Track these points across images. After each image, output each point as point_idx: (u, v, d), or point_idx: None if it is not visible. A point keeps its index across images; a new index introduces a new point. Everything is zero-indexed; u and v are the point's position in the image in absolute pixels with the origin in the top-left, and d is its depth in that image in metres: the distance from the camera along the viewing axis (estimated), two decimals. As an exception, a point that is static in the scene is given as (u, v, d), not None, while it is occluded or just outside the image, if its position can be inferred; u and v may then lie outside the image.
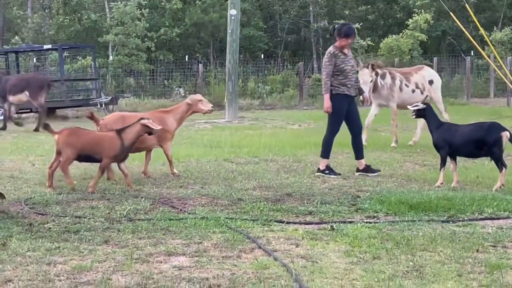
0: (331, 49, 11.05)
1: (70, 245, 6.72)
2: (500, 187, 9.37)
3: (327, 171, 10.95)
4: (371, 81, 13.86)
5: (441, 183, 9.73)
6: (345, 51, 11.03)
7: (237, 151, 13.80)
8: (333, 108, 10.96)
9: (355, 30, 11.32)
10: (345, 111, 11.02)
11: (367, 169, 11.08)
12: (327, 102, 10.94)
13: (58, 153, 9.68)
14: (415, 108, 10.23)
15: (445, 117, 14.57)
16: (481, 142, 9.45)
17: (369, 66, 13.81)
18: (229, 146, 14.71)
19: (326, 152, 11.13)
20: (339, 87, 10.93)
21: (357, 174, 11.04)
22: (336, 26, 11.38)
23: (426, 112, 10.13)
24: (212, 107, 11.32)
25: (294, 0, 38.52)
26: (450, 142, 9.71)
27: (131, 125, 9.68)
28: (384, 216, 8.03)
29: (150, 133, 9.77)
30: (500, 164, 9.41)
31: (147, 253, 6.42)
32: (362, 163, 11.17)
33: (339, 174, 10.99)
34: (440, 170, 9.81)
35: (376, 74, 14.22)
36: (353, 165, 11.95)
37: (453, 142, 9.68)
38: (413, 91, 14.81)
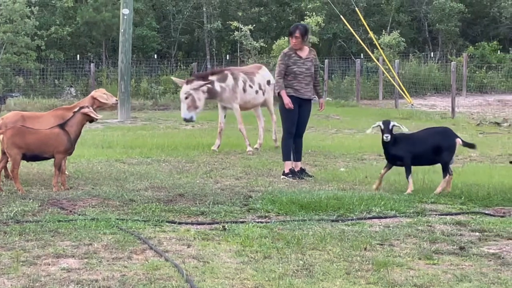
0: (285, 49, 11.08)
1: (-47, 248, 6.50)
2: (440, 192, 9.29)
3: (290, 175, 10.78)
4: (186, 98, 13.80)
5: (412, 190, 9.41)
6: (300, 53, 10.95)
7: (129, 152, 13.66)
8: (282, 108, 10.87)
9: (299, 27, 11.04)
10: (296, 112, 10.90)
11: (301, 172, 10.90)
12: (285, 99, 10.76)
13: (3, 153, 9.43)
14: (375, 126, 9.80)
15: (273, 118, 14.39)
16: (437, 148, 9.39)
17: (186, 82, 13.93)
18: (121, 147, 14.54)
19: (287, 156, 10.95)
20: (286, 88, 10.86)
21: (282, 177, 10.81)
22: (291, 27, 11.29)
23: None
24: (116, 100, 11.27)
25: (188, 1, 38.44)
26: (412, 152, 9.50)
27: (72, 116, 9.68)
28: (276, 216, 8.10)
29: (91, 121, 9.92)
30: (446, 171, 9.36)
31: (34, 256, 6.27)
32: (298, 165, 11.03)
33: (311, 177, 10.80)
34: (407, 178, 9.50)
35: (208, 82, 13.92)
36: (246, 165, 12.03)
37: (415, 151, 9.51)
38: (257, 92, 14.41)
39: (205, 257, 6.30)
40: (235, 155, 13.36)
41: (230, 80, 14.16)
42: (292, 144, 10.99)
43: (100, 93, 10.99)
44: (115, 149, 14.22)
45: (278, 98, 11.09)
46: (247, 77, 14.35)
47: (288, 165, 10.90)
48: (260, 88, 14.48)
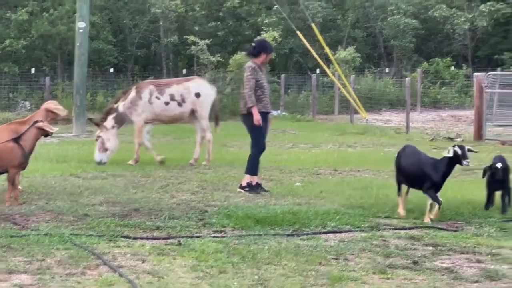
0: (251, 64, 10.93)
1: None
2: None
3: (247, 188, 10.76)
4: (96, 140, 14.08)
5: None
6: (262, 68, 11.04)
7: (84, 166, 13.54)
8: (253, 124, 10.81)
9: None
10: (264, 127, 10.92)
11: (256, 187, 10.85)
12: (256, 115, 10.72)
13: None
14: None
15: (207, 136, 14.09)
16: None
17: (98, 123, 14.12)
18: (76, 161, 14.40)
19: (253, 170, 10.93)
20: (257, 104, 10.82)
21: (239, 190, 10.83)
22: (255, 43, 11.30)
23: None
24: (68, 112, 11.20)
25: (144, 15, 38.33)
26: None
27: (26, 131, 9.53)
28: (231, 231, 8.10)
29: (46, 135, 9.80)
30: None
31: (-14, 272, 6.18)
32: (255, 179, 10.98)
33: (267, 191, 10.80)
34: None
35: (112, 114, 14.02)
36: (202, 179, 12.01)
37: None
38: (167, 103, 14.03)
39: (160, 273, 6.27)
40: (191, 170, 13.33)
41: (132, 94, 14.13)
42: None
43: (54, 105, 10.87)
44: (70, 163, 14.09)
45: (246, 115, 10.90)
46: (156, 89, 14.10)
47: (248, 178, 10.88)
48: (174, 100, 14.08)
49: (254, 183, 10.92)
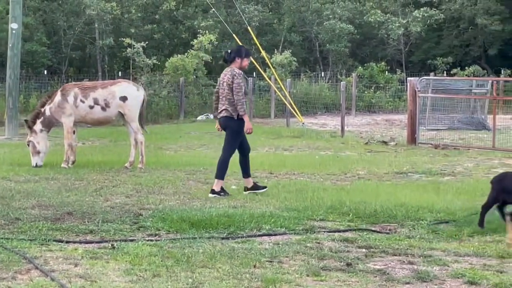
0: (238, 70, 10.92)
1: None
2: None
3: (222, 193, 10.76)
4: (28, 145, 14.04)
5: None
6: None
7: (16, 169, 13.32)
8: (237, 130, 10.88)
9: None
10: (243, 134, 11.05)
11: (256, 187, 11.02)
12: (249, 123, 10.92)
13: None
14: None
15: (139, 138, 13.98)
16: None
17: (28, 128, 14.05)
18: (8, 164, 14.16)
19: (222, 173, 10.95)
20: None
21: (246, 193, 10.88)
22: (234, 49, 11.33)
23: None
24: None
25: (79, 16, 37.89)
26: None
27: None
28: (166, 234, 8.06)
29: None
30: None
31: None
32: (250, 181, 11.09)
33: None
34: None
35: (40, 118, 14.00)
36: (137, 182, 11.93)
37: None
38: (91, 107, 13.91)
39: (93, 276, 6.20)
40: (126, 173, 13.22)
41: (57, 97, 14.07)
42: (241, 162, 11.15)
43: None
44: (2, 166, 13.83)
45: (231, 118, 10.89)
46: (81, 92, 13.99)
47: (220, 183, 10.94)
48: (97, 104, 13.96)
49: (250, 185, 11.05)
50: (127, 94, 14.08)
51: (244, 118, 10.88)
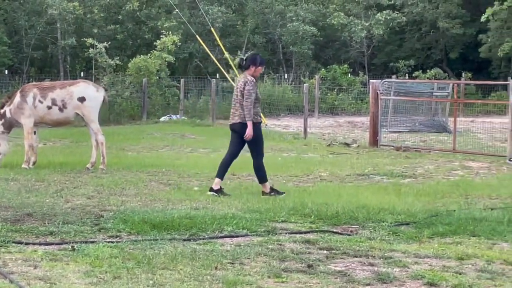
0: (250, 78, 11.20)
1: None
2: None
3: (272, 193, 11.11)
4: None
5: None
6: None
7: (-25, 170, 13.16)
8: (257, 136, 11.21)
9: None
10: (260, 135, 11.35)
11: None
12: (251, 130, 11.08)
13: None
14: None
15: (99, 138, 13.93)
16: None
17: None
18: (-33, 165, 13.99)
19: (263, 176, 11.30)
20: (255, 115, 11.21)
21: (209, 193, 11.02)
22: (248, 56, 11.54)
23: None
24: None
25: (41, 16, 37.57)
26: None
27: None
28: (127, 236, 8.00)
29: None
30: None
31: None
32: (218, 184, 11.24)
33: (283, 193, 11.22)
34: None
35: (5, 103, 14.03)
36: (98, 184, 11.85)
37: None
38: (49, 107, 13.86)
39: (52, 278, 6.14)
40: (87, 174, 13.13)
41: (17, 98, 13.99)
42: (224, 162, 11.50)
43: None
44: (-39, 167, 13.67)
45: (244, 124, 11.15)
46: (40, 93, 13.92)
47: (267, 186, 11.30)
48: (55, 104, 13.88)
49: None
50: (85, 95, 13.98)
51: (248, 124, 11.14)
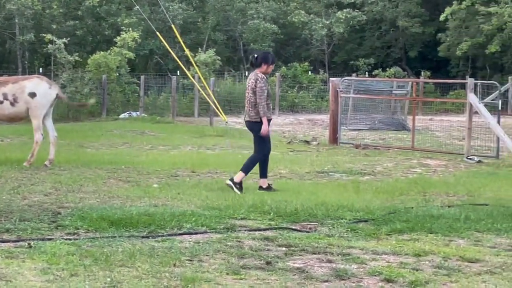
0: (261, 75, 11.35)
1: None
2: None
3: (237, 186, 11.23)
4: None
5: None
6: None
7: None
8: (258, 132, 11.37)
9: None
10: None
11: (269, 188, 11.47)
12: (267, 126, 11.31)
13: None
14: None
15: (36, 137, 13.76)
16: None
17: None
18: None
19: (247, 169, 11.45)
20: (267, 111, 11.41)
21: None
22: (259, 54, 11.67)
23: None
24: None
25: (-1, 11, 37.17)
26: None
27: None
28: (85, 233, 7.94)
29: None
30: None
31: None
32: (265, 182, 11.52)
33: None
34: None
35: None
36: (56, 181, 11.74)
37: None
38: (1, 102, 13.72)
39: (8, 276, 6.07)
40: (45, 171, 13.00)
41: None
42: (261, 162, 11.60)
43: None
44: None
45: (256, 122, 11.40)
46: None
47: (242, 176, 11.40)
48: (6, 99, 13.73)
49: (265, 185, 11.53)
50: (36, 91, 13.83)
51: (263, 121, 11.33)
